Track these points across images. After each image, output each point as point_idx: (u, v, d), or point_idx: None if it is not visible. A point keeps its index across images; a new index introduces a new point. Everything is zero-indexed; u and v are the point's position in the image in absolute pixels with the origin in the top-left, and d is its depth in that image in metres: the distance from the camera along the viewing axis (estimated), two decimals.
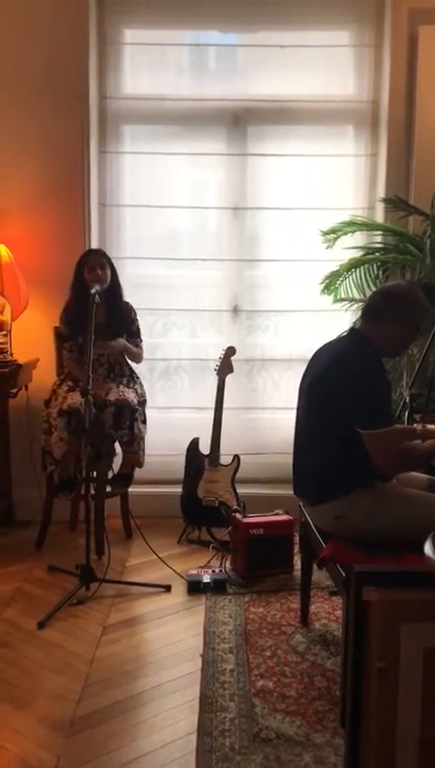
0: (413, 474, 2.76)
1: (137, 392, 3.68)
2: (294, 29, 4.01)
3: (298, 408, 2.72)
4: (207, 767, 2.08)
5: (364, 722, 1.72)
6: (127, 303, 3.78)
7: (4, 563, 3.48)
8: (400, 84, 3.93)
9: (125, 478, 3.69)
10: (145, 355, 3.88)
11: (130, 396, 3.57)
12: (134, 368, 3.84)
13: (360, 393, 2.44)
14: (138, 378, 3.82)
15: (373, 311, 2.59)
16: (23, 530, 3.85)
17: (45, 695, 2.45)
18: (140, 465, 3.67)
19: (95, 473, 3.50)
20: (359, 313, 3.77)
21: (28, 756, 2.13)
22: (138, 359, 3.82)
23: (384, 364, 2.61)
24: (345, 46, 4.07)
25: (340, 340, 2.72)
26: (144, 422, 3.65)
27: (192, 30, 4.11)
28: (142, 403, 3.68)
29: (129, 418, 3.48)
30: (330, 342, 2.73)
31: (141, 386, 3.79)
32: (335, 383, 2.50)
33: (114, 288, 3.67)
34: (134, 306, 3.82)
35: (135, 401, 3.56)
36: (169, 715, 2.35)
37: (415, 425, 2.87)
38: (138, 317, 3.82)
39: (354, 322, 3.78)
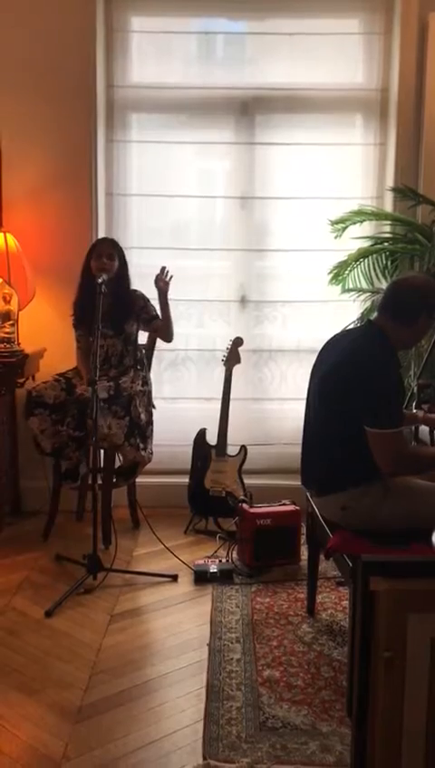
0: None
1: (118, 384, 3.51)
2: (303, 17, 3.97)
3: (309, 399, 2.71)
4: (213, 755, 2.09)
5: (371, 711, 1.72)
6: (135, 292, 3.74)
7: (12, 553, 3.50)
8: (409, 72, 3.90)
9: (126, 472, 3.68)
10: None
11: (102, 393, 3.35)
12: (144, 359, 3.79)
13: (373, 390, 2.42)
14: (140, 370, 3.70)
15: (406, 309, 2.51)
16: (30, 520, 3.86)
17: (53, 682, 2.46)
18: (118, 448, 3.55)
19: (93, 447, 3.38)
20: (368, 305, 3.77)
21: (36, 743, 2.15)
22: (166, 337, 3.75)
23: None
24: (355, 34, 4.04)
25: (354, 332, 2.69)
26: (122, 417, 3.46)
27: (200, 17, 4.09)
28: (116, 395, 3.46)
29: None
30: (342, 334, 2.71)
31: (141, 378, 3.67)
32: (350, 377, 2.48)
33: (120, 278, 3.64)
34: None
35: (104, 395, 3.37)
36: (176, 703, 2.36)
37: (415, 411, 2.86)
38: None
39: (363, 312, 3.77)
